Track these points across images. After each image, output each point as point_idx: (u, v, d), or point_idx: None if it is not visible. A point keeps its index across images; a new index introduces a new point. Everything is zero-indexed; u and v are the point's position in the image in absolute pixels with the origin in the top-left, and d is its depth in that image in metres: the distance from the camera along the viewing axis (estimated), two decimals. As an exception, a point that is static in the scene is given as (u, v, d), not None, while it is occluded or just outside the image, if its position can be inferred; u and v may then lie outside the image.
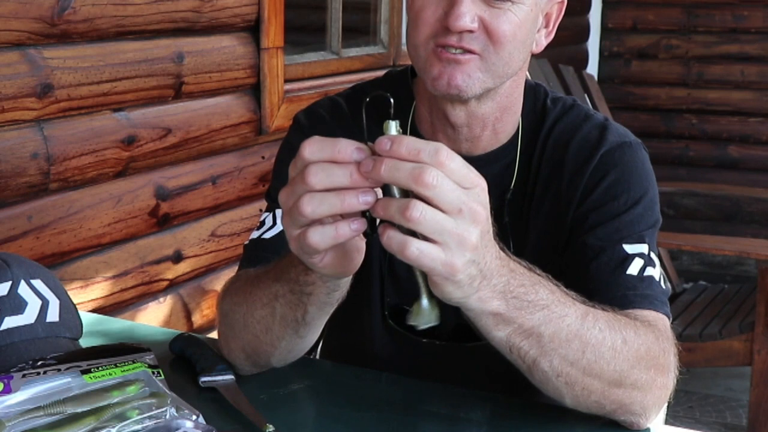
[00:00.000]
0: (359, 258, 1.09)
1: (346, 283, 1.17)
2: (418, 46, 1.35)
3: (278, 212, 1.43)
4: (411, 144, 0.95)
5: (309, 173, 0.97)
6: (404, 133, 0.98)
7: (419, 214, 0.95)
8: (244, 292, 1.30)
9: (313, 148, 0.98)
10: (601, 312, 1.21)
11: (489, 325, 1.12)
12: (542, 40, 1.42)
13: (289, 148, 1.51)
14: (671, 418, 3.32)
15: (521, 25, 1.33)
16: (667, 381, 1.26)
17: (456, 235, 0.97)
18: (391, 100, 0.99)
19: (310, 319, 1.23)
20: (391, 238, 0.97)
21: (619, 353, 1.19)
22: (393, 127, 0.97)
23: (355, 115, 1.49)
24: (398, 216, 0.95)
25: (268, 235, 1.42)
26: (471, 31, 1.30)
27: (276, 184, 1.49)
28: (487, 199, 1.01)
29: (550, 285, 1.16)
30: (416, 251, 0.97)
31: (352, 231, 0.99)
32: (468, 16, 1.29)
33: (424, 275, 1.02)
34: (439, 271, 0.99)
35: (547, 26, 1.42)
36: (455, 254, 0.98)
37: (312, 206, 0.98)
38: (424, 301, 1.03)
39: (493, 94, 1.39)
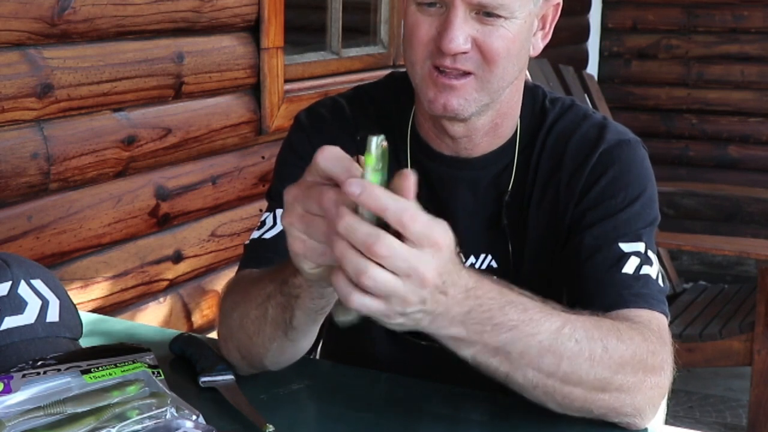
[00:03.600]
0: None
1: (331, 293, 1.16)
2: (414, 64, 1.36)
3: (278, 212, 1.43)
4: (378, 200, 0.95)
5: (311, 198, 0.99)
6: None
7: (372, 283, 0.96)
8: (243, 292, 1.31)
9: (326, 157, 0.99)
10: (581, 321, 1.18)
11: (452, 346, 1.11)
12: (539, 43, 1.41)
13: (291, 147, 1.50)
14: (671, 418, 3.31)
15: (515, 39, 1.32)
16: (660, 380, 1.24)
17: (401, 298, 0.99)
18: (385, 143, 0.98)
19: (297, 324, 1.23)
20: (338, 283, 0.98)
21: (599, 362, 1.17)
22: (374, 143, 0.96)
23: (356, 116, 1.49)
24: (353, 275, 0.96)
25: (268, 235, 1.42)
26: (465, 52, 1.30)
27: (277, 184, 1.49)
28: (447, 256, 1.00)
29: (524, 302, 1.13)
30: (358, 303, 0.98)
31: None
32: (461, 37, 1.29)
33: None
34: (379, 318, 1.01)
35: (543, 28, 1.41)
36: (395, 308, 1.00)
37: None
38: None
39: (492, 105, 1.39)
